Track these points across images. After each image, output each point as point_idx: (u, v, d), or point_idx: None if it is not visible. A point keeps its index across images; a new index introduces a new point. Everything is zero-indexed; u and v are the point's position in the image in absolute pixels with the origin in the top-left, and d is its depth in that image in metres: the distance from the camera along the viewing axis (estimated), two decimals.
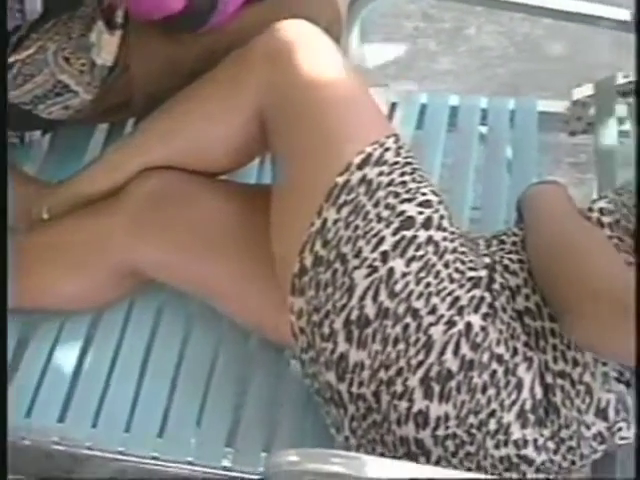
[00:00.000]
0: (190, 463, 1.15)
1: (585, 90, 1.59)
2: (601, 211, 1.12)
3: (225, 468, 1.15)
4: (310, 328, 1.09)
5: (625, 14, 1.47)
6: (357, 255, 1.07)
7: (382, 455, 1.07)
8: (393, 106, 1.59)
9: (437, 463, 1.05)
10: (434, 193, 1.12)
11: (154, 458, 1.15)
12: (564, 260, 1.03)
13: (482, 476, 1.05)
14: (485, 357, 1.04)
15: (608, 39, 2.18)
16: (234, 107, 1.23)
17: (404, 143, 1.16)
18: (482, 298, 1.06)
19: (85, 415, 1.18)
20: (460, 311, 1.05)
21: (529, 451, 1.04)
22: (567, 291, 1.00)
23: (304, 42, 1.20)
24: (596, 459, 1.10)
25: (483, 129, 1.58)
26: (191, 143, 1.27)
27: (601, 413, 1.04)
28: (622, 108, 1.53)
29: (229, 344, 1.26)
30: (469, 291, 1.06)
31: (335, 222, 1.08)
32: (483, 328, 1.05)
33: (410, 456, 1.06)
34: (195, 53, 1.36)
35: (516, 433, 1.04)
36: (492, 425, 1.03)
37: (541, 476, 1.07)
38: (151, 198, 1.24)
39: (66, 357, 1.24)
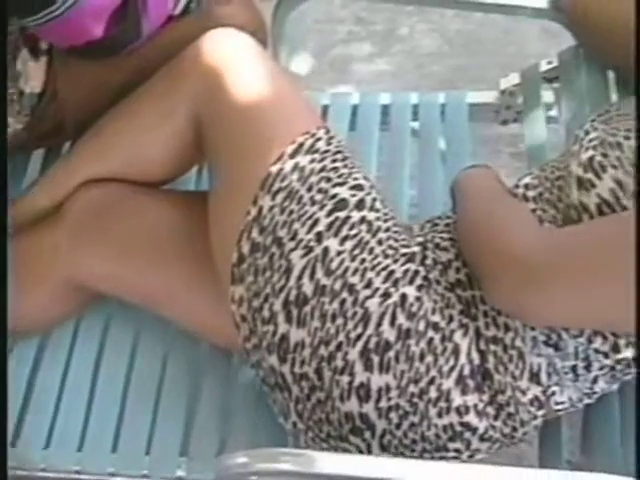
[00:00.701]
0: (145, 476, 1.16)
1: (512, 79, 1.62)
2: (526, 186, 1.16)
3: (179, 478, 1.16)
4: (251, 314, 1.12)
5: (542, 2, 1.50)
6: (293, 238, 1.10)
7: (329, 435, 1.09)
8: (325, 109, 1.61)
9: (382, 437, 1.08)
10: (366, 178, 1.17)
11: (111, 474, 1.17)
12: (485, 232, 1.07)
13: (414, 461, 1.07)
14: (421, 325, 1.07)
15: (536, 28, 2.24)
16: (168, 117, 1.26)
17: (335, 134, 1.19)
18: (416, 271, 1.10)
19: (37, 437, 1.19)
20: (395, 283, 1.08)
21: (471, 417, 1.07)
22: (486, 260, 1.03)
23: (233, 49, 1.24)
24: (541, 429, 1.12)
25: (416, 125, 1.60)
26: (128, 155, 1.29)
27: (534, 377, 1.07)
28: (548, 94, 1.56)
29: (178, 353, 1.28)
30: (403, 265, 1.10)
31: (271, 209, 1.12)
32: (418, 298, 1.08)
33: (355, 432, 1.08)
34: (123, 72, 1.37)
35: (457, 399, 1.06)
36: (433, 392, 1.06)
37: (484, 445, 1.09)
38: (92, 210, 1.26)
39: (16, 379, 1.24)
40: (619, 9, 1.35)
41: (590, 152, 1.06)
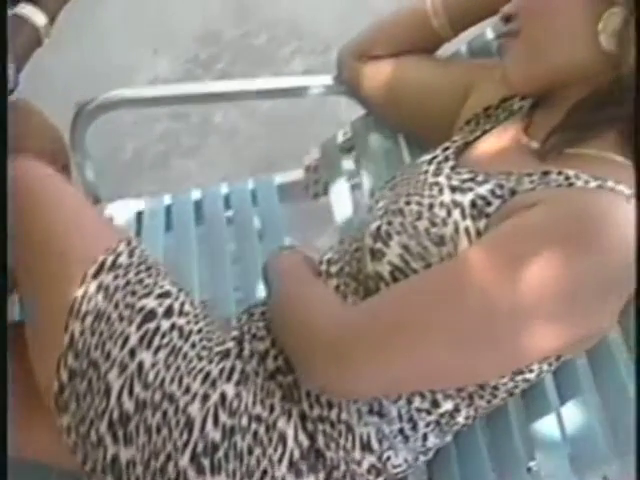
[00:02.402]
0: None
1: (313, 154, 1.66)
2: (328, 262, 1.19)
3: None
4: (81, 440, 1.10)
5: (328, 79, 1.56)
6: (107, 358, 1.09)
7: None
8: (139, 215, 1.62)
9: None
10: (172, 284, 1.17)
11: None
12: (293, 317, 1.08)
13: None
14: (244, 420, 1.07)
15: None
16: None
17: (137, 245, 1.20)
18: (232, 367, 1.11)
19: None
20: (213, 384, 1.09)
21: None
22: (297, 344, 1.05)
23: (28, 178, 1.22)
24: None
25: (230, 213, 1.63)
26: None
27: (366, 447, 1.09)
28: (349, 163, 1.61)
29: None
30: (219, 363, 1.11)
31: (82, 333, 1.11)
32: (237, 394, 1.09)
33: None
34: None
35: None
36: None
37: None
38: None
39: None
40: (395, 78, 1.41)
41: (377, 222, 1.10)
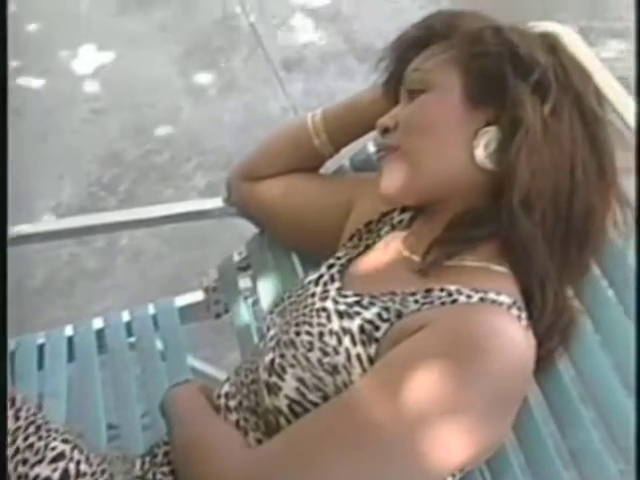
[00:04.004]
0: None
1: (212, 275, 1.68)
2: (226, 395, 1.18)
3: None
4: None
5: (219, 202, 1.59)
6: None
7: None
8: (41, 347, 1.61)
9: None
10: (65, 442, 1.12)
11: None
12: (193, 458, 1.07)
13: None
14: None
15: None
16: None
17: (22, 404, 1.14)
18: None
19: None
20: None
21: None
22: None
23: None
24: None
25: (132, 339, 1.63)
26: None
27: None
28: (246, 281, 1.63)
29: None
30: None
31: None
32: None
33: None
34: None
35: None
36: None
37: None
38: None
39: None
40: (281, 197, 1.44)
41: (270, 355, 1.09)
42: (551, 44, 1.15)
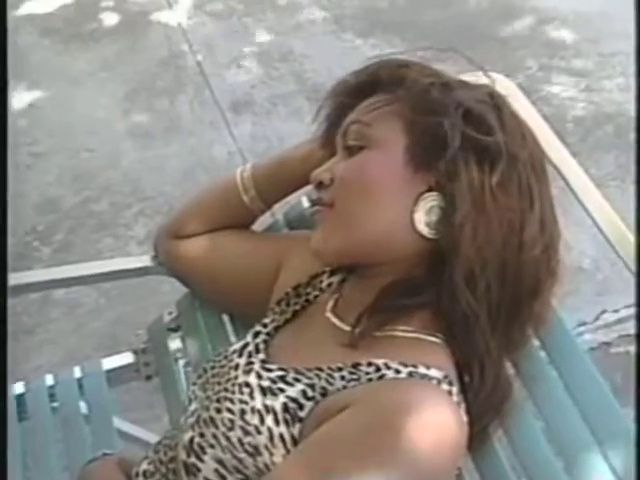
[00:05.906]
0: None
1: (141, 337, 1.61)
2: (144, 474, 1.12)
3: None
4: None
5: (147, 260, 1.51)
6: None
7: None
8: None
9: None
10: None
11: None
12: None
13: None
14: None
15: None
16: None
17: None
18: None
19: None
20: None
21: None
22: None
23: None
24: None
25: (55, 404, 1.55)
26: None
27: None
28: (176, 342, 1.56)
29: None
30: None
31: None
32: None
33: None
34: None
35: None
36: None
37: None
38: None
39: None
40: (208, 256, 1.36)
41: (189, 433, 1.03)
42: (497, 105, 1.08)
